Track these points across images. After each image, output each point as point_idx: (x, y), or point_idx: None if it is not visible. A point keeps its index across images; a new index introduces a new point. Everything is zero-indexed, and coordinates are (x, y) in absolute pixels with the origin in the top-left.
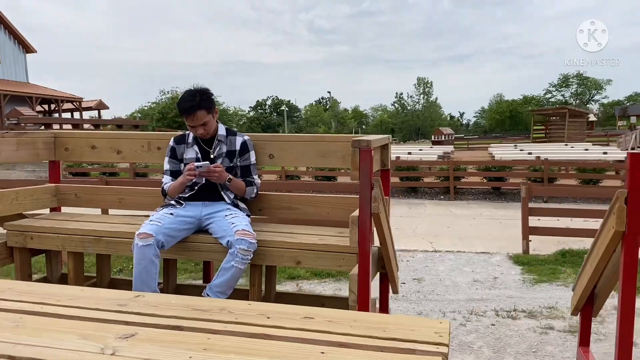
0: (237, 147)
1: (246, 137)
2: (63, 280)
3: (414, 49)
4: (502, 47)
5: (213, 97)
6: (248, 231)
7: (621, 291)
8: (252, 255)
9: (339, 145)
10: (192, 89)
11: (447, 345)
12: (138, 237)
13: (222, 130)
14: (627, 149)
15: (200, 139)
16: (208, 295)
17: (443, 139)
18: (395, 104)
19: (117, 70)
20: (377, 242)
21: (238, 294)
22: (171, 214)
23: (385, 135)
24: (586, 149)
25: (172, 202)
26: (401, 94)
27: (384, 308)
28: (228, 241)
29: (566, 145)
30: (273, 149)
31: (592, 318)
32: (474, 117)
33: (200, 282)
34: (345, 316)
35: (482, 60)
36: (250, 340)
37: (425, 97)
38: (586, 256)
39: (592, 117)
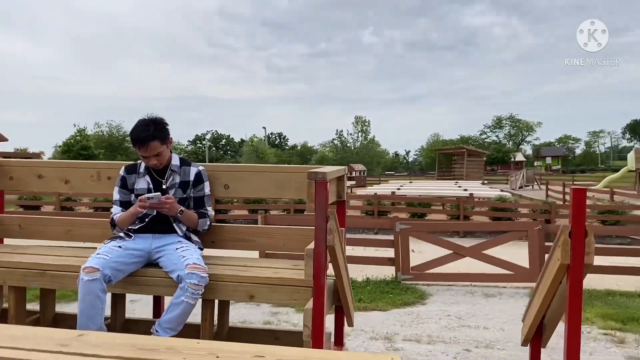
0: (191, 178)
1: (201, 168)
2: (3, 316)
3: (368, 90)
4: (453, 89)
5: (167, 126)
6: (199, 265)
7: (567, 321)
8: (203, 290)
9: (296, 176)
10: (146, 118)
11: None
12: (84, 271)
13: (175, 160)
14: (515, 188)
15: (153, 169)
16: (157, 331)
17: (354, 174)
18: (335, 141)
19: (64, 102)
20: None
21: (189, 330)
22: (119, 246)
23: (342, 167)
24: (459, 186)
25: (121, 234)
26: (341, 131)
27: (339, 341)
28: (178, 275)
29: (456, 183)
30: (228, 179)
31: (542, 348)
32: (415, 155)
33: (150, 317)
34: (297, 355)
35: (433, 102)
36: None
37: (363, 134)
38: (534, 288)
39: (519, 157)
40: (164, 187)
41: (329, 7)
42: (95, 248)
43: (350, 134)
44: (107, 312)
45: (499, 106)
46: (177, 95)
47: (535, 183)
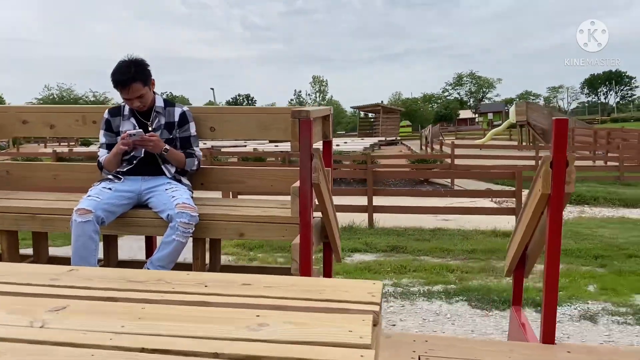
0: (176, 119)
1: (185, 108)
2: None
3: (348, 49)
4: (433, 47)
5: (149, 67)
6: (189, 204)
7: (547, 250)
8: (193, 229)
9: (281, 117)
10: (126, 59)
11: (378, 304)
12: (76, 213)
13: (159, 101)
14: (424, 144)
15: (137, 111)
16: (148, 269)
17: None
18: (294, 101)
19: (38, 65)
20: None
21: (181, 268)
22: (110, 188)
23: (327, 107)
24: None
25: (110, 176)
26: (299, 91)
27: (328, 275)
28: (168, 215)
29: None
30: (214, 121)
31: (524, 279)
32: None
33: (143, 258)
34: (284, 281)
35: (413, 60)
36: (186, 308)
37: (321, 95)
38: (516, 220)
39: (467, 114)
40: (150, 128)
41: None
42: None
43: (309, 94)
44: (101, 254)
45: (477, 64)
46: (153, 56)
47: (441, 138)
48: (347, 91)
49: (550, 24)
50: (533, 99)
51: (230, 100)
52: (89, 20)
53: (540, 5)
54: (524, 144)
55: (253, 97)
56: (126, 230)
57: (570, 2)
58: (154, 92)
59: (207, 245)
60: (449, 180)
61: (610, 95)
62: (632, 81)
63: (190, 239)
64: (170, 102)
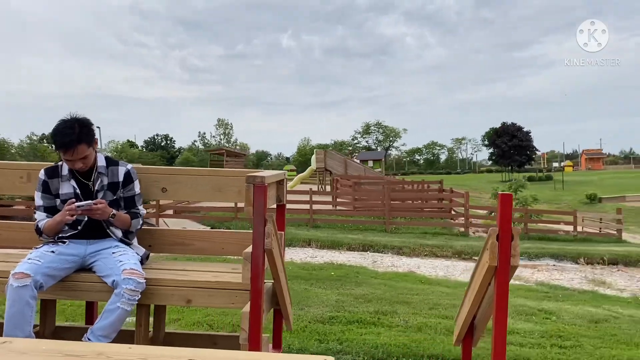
0: (120, 178)
1: (129, 167)
2: None
3: (288, 94)
4: (370, 96)
5: (93, 127)
6: (136, 270)
7: (494, 320)
8: (139, 296)
9: (235, 180)
10: (69, 118)
11: None
12: (13, 277)
13: (101, 160)
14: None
15: (77, 171)
16: (89, 339)
17: None
18: (197, 143)
19: None
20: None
21: (124, 336)
22: (52, 251)
23: (281, 171)
24: None
25: (52, 240)
26: (204, 133)
27: (277, 344)
28: (114, 281)
29: None
30: (167, 182)
31: (472, 347)
32: (288, 157)
33: (83, 324)
34: (229, 357)
35: (351, 107)
36: None
37: (226, 137)
38: (465, 289)
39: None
40: (91, 190)
41: (246, 8)
42: (24, 255)
43: (213, 136)
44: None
45: (413, 113)
46: (86, 93)
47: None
48: (270, 134)
49: (479, 79)
50: (438, 149)
51: (148, 139)
52: (19, 54)
53: (470, 60)
54: (321, 187)
55: (172, 138)
56: (66, 295)
57: (497, 60)
58: (95, 152)
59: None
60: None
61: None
62: (528, 136)
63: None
64: (112, 160)
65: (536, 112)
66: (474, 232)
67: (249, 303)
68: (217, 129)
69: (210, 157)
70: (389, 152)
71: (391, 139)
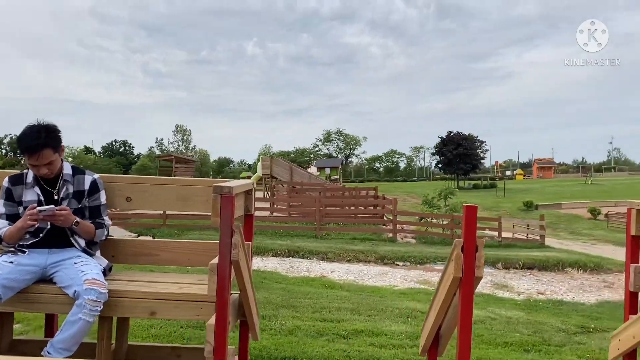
0: (86, 187)
1: (96, 176)
2: None
3: (252, 101)
4: (334, 104)
5: (60, 133)
6: (99, 280)
7: (459, 331)
8: (101, 307)
9: (201, 189)
10: (36, 124)
11: None
12: None
13: (67, 168)
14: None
15: (42, 178)
16: (49, 353)
17: None
18: (155, 149)
19: None
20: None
21: (85, 349)
22: (11, 262)
23: (249, 181)
24: None
25: (12, 248)
26: (161, 139)
27: (243, 356)
28: (75, 291)
29: None
30: (131, 191)
31: (438, 358)
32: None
33: (42, 337)
34: None
35: (316, 115)
36: None
37: (185, 143)
38: (431, 300)
39: (312, 170)
40: (55, 197)
41: (210, 14)
42: None
43: (171, 142)
44: None
45: (375, 121)
46: (45, 97)
47: None
48: (234, 141)
49: (440, 88)
50: (397, 157)
51: (106, 145)
52: None
53: (432, 70)
54: (267, 194)
55: (131, 144)
56: (25, 307)
57: (458, 70)
58: (62, 159)
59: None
60: None
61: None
62: (483, 145)
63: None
64: (79, 169)
65: (495, 121)
66: (402, 238)
67: (215, 315)
68: (175, 134)
69: (160, 163)
70: (350, 159)
71: (351, 146)
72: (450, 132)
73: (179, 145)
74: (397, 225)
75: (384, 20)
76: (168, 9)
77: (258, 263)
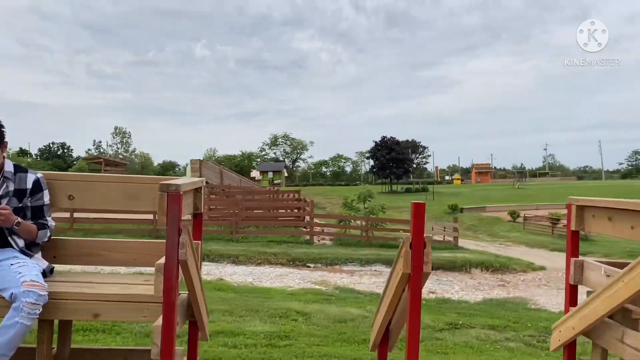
0: (29, 186)
1: (39, 175)
2: None
3: (201, 104)
4: (285, 109)
5: (4, 129)
6: (37, 282)
7: (408, 325)
8: (40, 310)
9: (149, 187)
10: None
11: None
12: None
13: (9, 166)
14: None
15: None
16: None
17: None
18: (93, 151)
19: None
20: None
21: (23, 354)
22: None
23: (199, 179)
24: None
25: None
26: (99, 141)
27: (193, 357)
28: (12, 294)
29: None
30: (73, 189)
31: (388, 352)
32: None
33: None
34: None
35: (266, 120)
36: None
37: (124, 146)
38: (381, 296)
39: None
40: None
41: (157, 15)
42: None
43: (110, 145)
44: None
45: (325, 127)
46: None
47: None
48: (181, 144)
49: (388, 96)
50: (344, 162)
51: (43, 147)
52: None
53: (380, 77)
54: None
55: (69, 146)
56: None
57: (405, 78)
58: (4, 157)
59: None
60: None
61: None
62: (425, 150)
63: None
64: (21, 167)
65: (440, 128)
66: (319, 240)
67: (162, 316)
68: (114, 137)
69: (89, 165)
70: (297, 164)
71: (298, 151)
72: (384, 137)
73: (118, 148)
74: (316, 228)
75: (333, 27)
76: (113, 9)
77: None
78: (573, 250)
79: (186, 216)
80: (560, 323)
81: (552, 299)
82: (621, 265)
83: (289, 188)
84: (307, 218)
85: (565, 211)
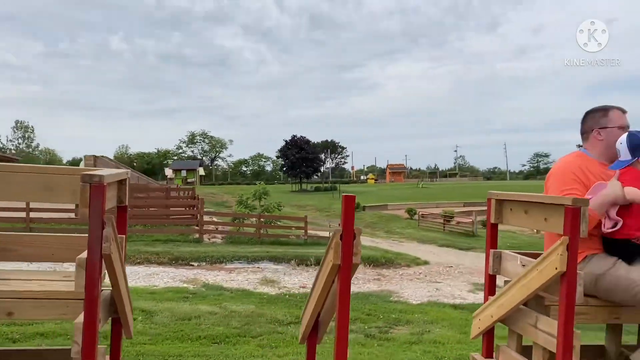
0: None
1: None
2: None
3: (118, 99)
4: (208, 106)
5: None
6: None
7: (337, 317)
8: None
9: (69, 178)
10: None
11: None
12: None
13: None
14: None
15: None
16: None
17: None
18: None
19: None
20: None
21: None
22: None
23: (123, 170)
24: None
25: None
26: None
27: (116, 356)
28: None
29: None
30: None
31: (317, 344)
32: None
33: None
34: None
35: (188, 117)
36: None
37: (26, 141)
38: (311, 288)
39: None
40: None
41: (71, 5)
42: None
43: (10, 140)
44: None
45: (248, 125)
46: None
47: None
48: (94, 140)
49: (311, 96)
50: (264, 161)
51: None
52: None
53: (304, 78)
54: None
55: None
56: None
57: (328, 79)
58: None
59: None
60: None
61: (328, 161)
62: (344, 151)
63: None
64: None
65: (361, 129)
66: (209, 239)
67: (83, 313)
68: (14, 131)
69: None
70: (216, 162)
71: (217, 149)
72: (295, 136)
73: (19, 144)
74: (210, 226)
75: (257, 25)
76: None
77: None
78: (492, 242)
79: (109, 209)
80: (480, 312)
81: (418, 292)
82: (536, 256)
83: (204, 187)
84: (206, 217)
85: (456, 209)
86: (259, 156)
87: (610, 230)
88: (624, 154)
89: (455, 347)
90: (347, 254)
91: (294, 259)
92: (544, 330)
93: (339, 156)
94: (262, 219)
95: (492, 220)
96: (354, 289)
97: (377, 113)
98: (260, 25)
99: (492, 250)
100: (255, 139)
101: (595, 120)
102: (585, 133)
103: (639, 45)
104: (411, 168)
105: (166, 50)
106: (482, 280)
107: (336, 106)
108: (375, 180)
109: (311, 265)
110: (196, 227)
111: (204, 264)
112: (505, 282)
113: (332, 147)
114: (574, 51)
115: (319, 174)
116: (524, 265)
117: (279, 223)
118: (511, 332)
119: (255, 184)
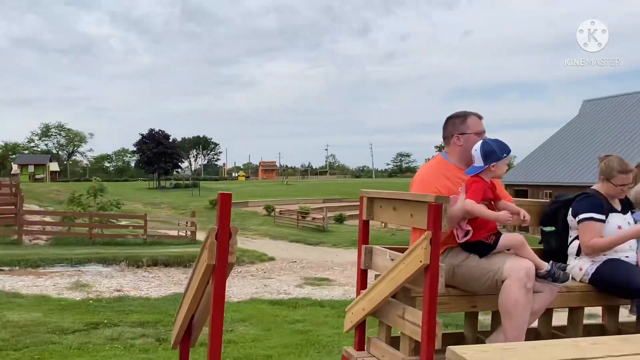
0: None
1: None
2: None
3: None
4: (68, 97)
5: None
6: None
7: (211, 318)
8: None
9: None
10: None
11: None
12: None
13: None
14: None
15: None
16: None
17: None
18: None
19: None
20: None
21: None
22: None
23: None
24: None
25: None
26: None
27: None
28: None
29: None
30: None
31: (191, 348)
32: None
33: None
34: None
35: (46, 107)
36: None
37: None
38: (184, 289)
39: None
40: None
41: None
42: None
43: None
44: None
45: (116, 118)
46: None
47: None
48: None
49: (185, 90)
50: (129, 156)
51: None
52: None
53: (177, 71)
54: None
55: None
56: None
57: (203, 73)
58: None
59: None
60: None
61: (199, 158)
62: (217, 147)
63: None
64: None
65: (237, 126)
66: (31, 240)
67: None
68: None
69: None
70: (74, 157)
71: (75, 143)
72: (152, 129)
73: None
74: (36, 227)
75: (126, 13)
76: None
77: None
78: (364, 238)
79: None
80: (352, 306)
81: (245, 289)
82: (404, 251)
83: (54, 184)
84: (31, 217)
85: (314, 205)
86: (124, 151)
87: (463, 240)
88: (478, 161)
89: (249, 344)
90: (223, 253)
91: (125, 260)
92: (410, 321)
93: (212, 153)
94: (95, 218)
95: (364, 217)
96: (175, 289)
97: (253, 110)
98: (129, 13)
99: (364, 246)
100: (123, 133)
101: (455, 127)
102: (446, 138)
103: (492, 55)
104: (286, 166)
105: (20, 34)
106: (317, 274)
107: (212, 101)
108: (247, 177)
109: (143, 266)
110: (16, 228)
111: (17, 268)
112: (376, 276)
113: (204, 143)
114: (435, 57)
115: (179, 171)
116: (392, 260)
117: (115, 222)
118: (381, 324)
119: (118, 181)
